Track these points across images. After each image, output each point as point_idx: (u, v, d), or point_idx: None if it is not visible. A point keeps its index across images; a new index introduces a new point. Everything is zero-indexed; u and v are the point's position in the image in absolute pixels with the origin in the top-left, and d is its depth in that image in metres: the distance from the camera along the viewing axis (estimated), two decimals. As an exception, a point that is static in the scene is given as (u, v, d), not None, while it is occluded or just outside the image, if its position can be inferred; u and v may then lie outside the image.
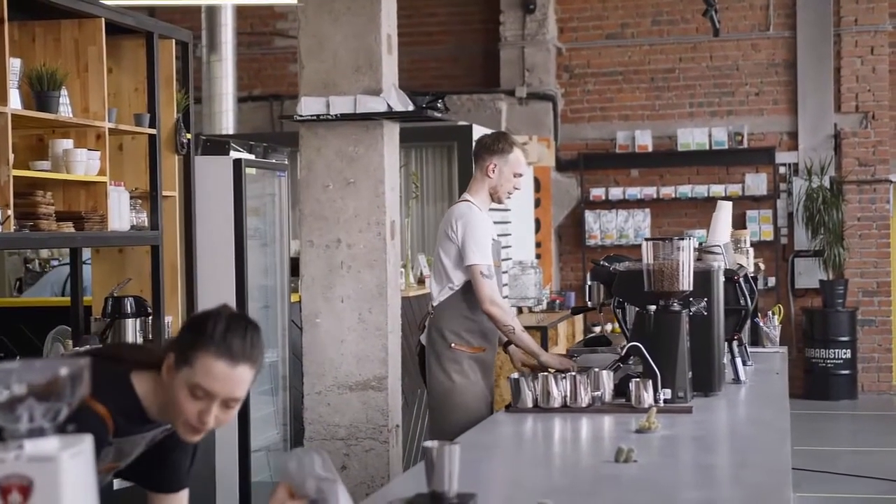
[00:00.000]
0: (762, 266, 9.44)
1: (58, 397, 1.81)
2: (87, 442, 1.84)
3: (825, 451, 9.64)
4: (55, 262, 8.69)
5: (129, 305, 5.47)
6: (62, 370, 1.81)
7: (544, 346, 9.07)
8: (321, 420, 5.53)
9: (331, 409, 5.53)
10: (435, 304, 5.28)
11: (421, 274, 8.62)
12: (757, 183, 12.49)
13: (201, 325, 2.59)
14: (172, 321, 5.88)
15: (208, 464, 5.81)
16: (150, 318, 5.65)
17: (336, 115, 5.43)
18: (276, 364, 6.84)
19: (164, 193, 5.80)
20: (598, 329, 10.83)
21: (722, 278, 4.67)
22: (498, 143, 5.31)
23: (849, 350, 12.08)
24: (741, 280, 5.02)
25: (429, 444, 2.68)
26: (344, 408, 5.51)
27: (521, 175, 5.33)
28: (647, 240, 4.44)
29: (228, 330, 2.58)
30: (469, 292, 5.22)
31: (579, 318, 10.84)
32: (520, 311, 10.44)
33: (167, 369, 2.62)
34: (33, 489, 1.75)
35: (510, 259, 10.41)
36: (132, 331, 5.46)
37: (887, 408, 11.81)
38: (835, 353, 12.05)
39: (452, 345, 5.19)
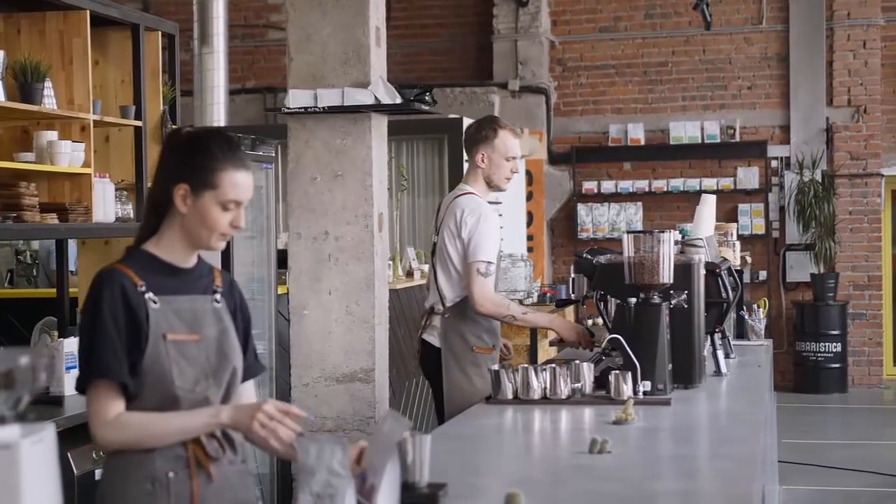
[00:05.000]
0: (749, 259, 9.45)
1: (19, 386, 1.83)
2: (48, 430, 1.86)
3: (815, 444, 9.66)
4: None
5: (114, 297, 5.46)
6: (21, 359, 1.82)
7: (534, 339, 9.08)
8: (309, 412, 5.53)
9: (318, 401, 5.53)
10: (448, 304, 5.17)
11: (410, 266, 8.63)
12: (749, 176, 12.50)
13: (206, 150, 2.85)
14: (158, 312, 5.87)
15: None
16: (136, 309, 5.65)
17: (324, 108, 5.42)
18: (263, 356, 6.84)
19: (150, 185, 5.80)
20: (590, 322, 10.82)
21: (703, 271, 4.67)
22: (481, 132, 5.21)
23: (839, 343, 12.11)
24: (723, 273, 5.02)
25: (400, 434, 2.70)
26: (331, 400, 5.51)
27: (513, 158, 5.21)
28: (628, 232, 4.44)
29: (230, 146, 2.87)
30: None
31: (572, 310, 10.84)
32: (510, 303, 10.46)
33: (182, 200, 2.85)
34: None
35: (502, 252, 10.43)
36: (117, 322, 5.45)
37: (877, 401, 11.84)
38: (825, 346, 12.07)
39: (474, 348, 5.13)
